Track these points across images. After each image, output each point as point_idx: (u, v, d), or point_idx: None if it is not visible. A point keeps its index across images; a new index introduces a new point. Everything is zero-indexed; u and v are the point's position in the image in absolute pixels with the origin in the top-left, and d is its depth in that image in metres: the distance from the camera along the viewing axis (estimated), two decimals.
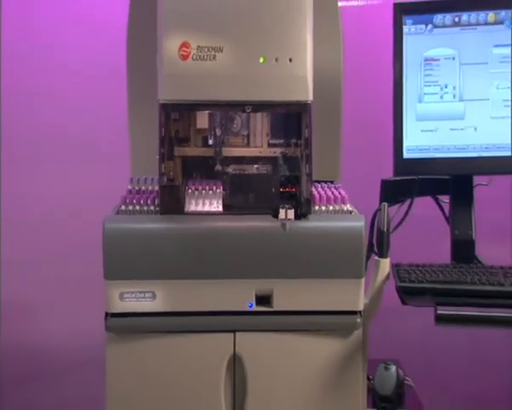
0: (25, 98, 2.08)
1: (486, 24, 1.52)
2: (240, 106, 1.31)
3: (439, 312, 1.28)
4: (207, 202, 1.33)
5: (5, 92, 2.06)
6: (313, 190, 1.37)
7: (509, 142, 1.54)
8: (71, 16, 2.07)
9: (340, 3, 1.51)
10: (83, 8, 2.09)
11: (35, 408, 2.10)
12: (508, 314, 1.29)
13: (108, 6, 2.05)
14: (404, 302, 1.34)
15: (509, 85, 1.51)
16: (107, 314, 1.28)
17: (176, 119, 1.37)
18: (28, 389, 2.10)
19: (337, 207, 1.35)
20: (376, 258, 1.34)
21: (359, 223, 1.28)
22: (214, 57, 1.26)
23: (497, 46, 1.51)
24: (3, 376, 2.08)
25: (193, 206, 1.31)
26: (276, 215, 1.28)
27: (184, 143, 1.39)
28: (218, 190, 1.33)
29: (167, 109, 1.30)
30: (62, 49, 2.04)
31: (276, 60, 1.27)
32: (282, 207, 1.28)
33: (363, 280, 1.29)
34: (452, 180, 1.57)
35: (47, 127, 2.07)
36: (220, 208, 1.33)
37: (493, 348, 1.99)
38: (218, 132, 1.39)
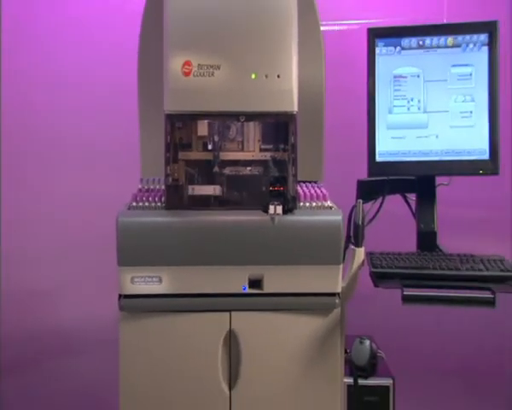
0: (46, 109, 2.05)
1: (446, 47, 1.56)
2: (235, 116, 1.34)
3: (405, 293, 1.32)
4: (207, 188, 1.35)
5: (25, 100, 2.04)
6: (298, 188, 1.40)
7: (466, 147, 1.56)
8: (85, 35, 2.05)
9: (322, 28, 1.53)
10: (95, 27, 2.06)
11: (57, 382, 2.08)
12: (463, 294, 1.33)
13: (118, 24, 2.03)
14: (376, 285, 1.37)
15: (464, 99, 1.53)
16: (120, 296, 1.30)
17: (179, 127, 1.38)
18: (50, 365, 2.09)
19: (319, 204, 1.37)
20: (353, 247, 1.36)
21: (338, 217, 1.31)
22: (212, 74, 1.29)
23: (454, 66, 1.56)
24: (31, 353, 2.07)
25: (194, 189, 1.34)
26: (266, 210, 1.30)
27: (187, 148, 1.40)
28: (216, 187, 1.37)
29: (172, 119, 1.33)
30: (76, 65, 2.04)
31: (266, 76, 1.29)
32: (272, 204, 1.30)
33: (341, 266, 1.32)
34: (418, 180, 1.61)
35: (68, 139, 2.06)
36: (217, 191, 1.35)
37: (454, 324, 1.99)
38: (216, 139, 1.40)
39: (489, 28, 1.52)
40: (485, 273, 1.38)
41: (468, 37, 1.55)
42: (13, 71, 2.01)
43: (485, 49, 1.53)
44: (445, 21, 1.98)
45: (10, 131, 2.04)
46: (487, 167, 1.53)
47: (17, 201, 2.06)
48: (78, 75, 2.03)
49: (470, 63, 1.55)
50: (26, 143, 2.05)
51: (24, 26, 2.02)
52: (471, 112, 1.55)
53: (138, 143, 1.57)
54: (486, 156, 1.54)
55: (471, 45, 1.55)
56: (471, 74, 1.55)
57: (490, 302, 1.29)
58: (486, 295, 1.31)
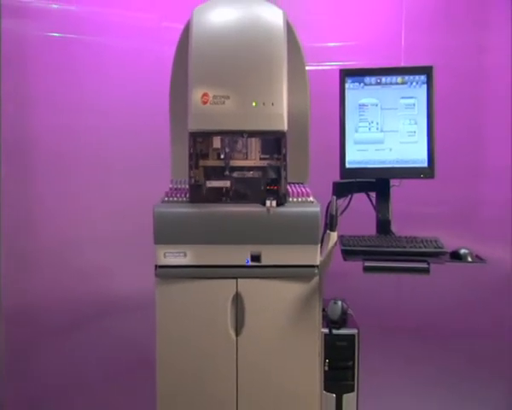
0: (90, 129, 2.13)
1: (397, 84, 1.64)
2: (240, 133, 1.39)
3: (365, 264, 1.41)
4: (220, 182, 1.40)
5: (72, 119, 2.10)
6: (288, 188, 1.46)
7: (411, 157, 1.64)
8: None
9: (307, 68, 1.57)
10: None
11: (107, 337, 2.15)
12: (408, 265, 1.42)
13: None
14: (345, 259, 1.46)
15: (410, 122, 1.62)
16: (156, 266, 1.37)
17: (200, 142, 1.41)
18: (101, 325, 2.17)
19: (304, 199, 1.43)
20: (328, 232, 1.40)
21: (317, 209, 1.39)
22: (224, 102, 1.35)
23: (403, 98, 1.64)
24: (85, 316, 2.16)
25: (210, 183, 1.39)
26: (264, 204, 1.37)
27: (205, 157, 1.43)
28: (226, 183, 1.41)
29: (194, 136, 1.39)
30: (121, 96, 2.11)
31: (264, 104, 1.36)
32: (268, 199, 1.37)
33: (319, 245, 1.39)
34: (377, 182, 1.67)
35: (114, 154, 2.14)
36: (227, 184, 1.40)
37: (408, 290, 2.11)
38: (227, 150, 1.43)
39: (427, 71, 1.62)
40: (424, 250, 1.46)
41: (412, 77, 1.63)
42: (73, 99, 2.10)
43: (425, 86, 1.62)
44: (402, 64, 2.09)
45: (74, 150, 2.12)
46: (426, 172, 1.63)
47: (75, 201, 2.16)
48: (123, 104, 2.11)
49: (414, 96, 1.63)
50: (88, 158, 2.14)
51: (82, 66, 2.10)
52: (414, 132, 1.63)
53: (169, 155, 1.58)
54: (425, 164, 1.63)
55: (414, 83, 1.63)
56: (414, 104, 1.63)
57: (426, 271, 1.40)
58: (424, 265, 1.40)
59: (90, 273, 2.16)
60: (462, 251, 1.44)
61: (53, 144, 2.08)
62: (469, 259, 1.43)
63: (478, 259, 1.45)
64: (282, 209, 1.37)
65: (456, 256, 1.45)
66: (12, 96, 1.94)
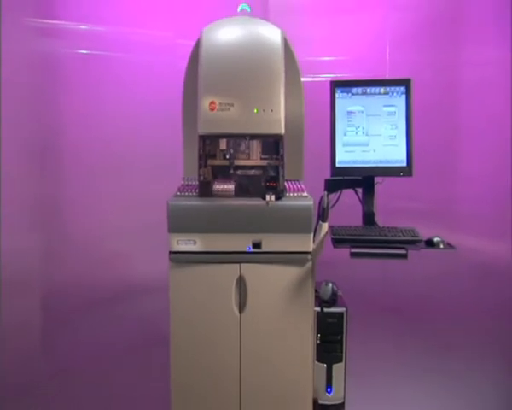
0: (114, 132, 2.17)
1: (380, 94, 1.68)
2: (243, 136, 1.43)
3: (352, 251, 1.47)
4: (225, 185, 1.43)
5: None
6: (286, 184, 1.50)
7: (392, 158, 1.68)
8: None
9: (302, 79, 1.59)
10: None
11: (126, 316, 2.19)
12: (388, 251, 1.47)
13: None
14: (335, 247, 1.51)
15: (391, 127, 1.66)
16: (170, 252, 1.41)
17: (208, 143, 1.46)
18: (123, 304, 2.22)
19: (299, 194, 1.47)
20: (321, 222, 1.42)
21: (310, 202, 1.42)
22: (229, 109, 1.39)
23: (385, 106, 1.68)
24: (107, 296, 2.20)
25: (217, 186, 1.43)
26: (264, 198, 1.41)
27: (213, 157, 1.47)
28: (230, 183, 1.44)
29: (203, 138, 1.43)
30: (140, 106, 2.15)
31: (264, 110, 1.39)
32: (268, 194, 1.41)
33: (312, 234, 1.42)
34: (363, 179, 1.71)
35: (135, 157, 2.19)
36: (231, 187, 1.43)
37: (390, 276, 2.15)
38: (232, 151, 1.46)
39: (406, 83, 1.67)
40: (403, 238, 1.51)
41: (393, 88, 1.67)
42: (98, 107, 2.14)
43: (404, 96, 1.67)
44: (387, 77, 2.13)
45: (97, 154, 2.16)
46: (405, 171, 1.67)
47: (98, 199, 2.20)
48: (142, 111, 2.15)
49: (394, 105, 1.67)
50: (110, 160, 2.18)
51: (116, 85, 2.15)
52: (395, 136, 1.68)
53: (182, 155, 1.61)
54: (405, 164, 1.67)
55: (395, 93, 1.67)
56: (395, 112, 1.67)
57: (404, 256, 1.46)
58: (402, 251, 1.46)
59: (111, 261, 2.20)
60: (436, 239, 1.49)
61: (80, 149, 2.12)
62: (441, 246, 1.48)
63: (449, 246, 1.49)
64: (279, 203, 1.41)
65: (430, 244, 1.49)
66: (45, 105, 1.99)
